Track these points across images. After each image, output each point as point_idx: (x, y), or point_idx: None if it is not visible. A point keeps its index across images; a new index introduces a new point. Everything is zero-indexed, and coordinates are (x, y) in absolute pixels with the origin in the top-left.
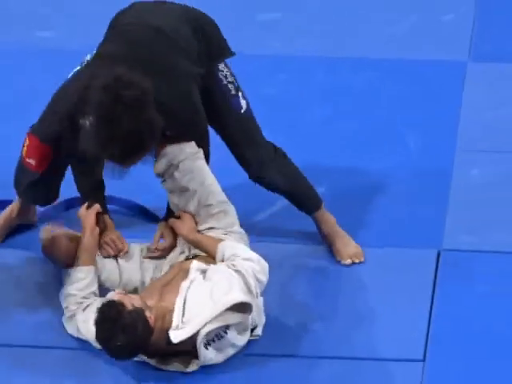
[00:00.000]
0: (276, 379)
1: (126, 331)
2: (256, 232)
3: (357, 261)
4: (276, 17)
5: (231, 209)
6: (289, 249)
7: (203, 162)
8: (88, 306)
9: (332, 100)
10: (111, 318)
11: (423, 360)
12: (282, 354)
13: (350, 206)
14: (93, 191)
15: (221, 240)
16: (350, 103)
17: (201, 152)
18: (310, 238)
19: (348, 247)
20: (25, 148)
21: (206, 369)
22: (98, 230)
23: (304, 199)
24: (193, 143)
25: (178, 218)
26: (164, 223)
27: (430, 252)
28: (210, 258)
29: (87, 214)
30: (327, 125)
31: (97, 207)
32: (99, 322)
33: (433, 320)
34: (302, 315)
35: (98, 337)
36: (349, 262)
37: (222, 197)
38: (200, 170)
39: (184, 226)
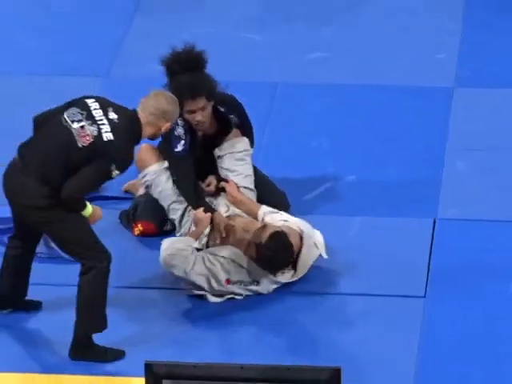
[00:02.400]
0: (303, 313)
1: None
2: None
3: None
4: (321, 56)
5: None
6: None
7: (250, 159)
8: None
9: (360, 113)
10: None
11: (424, 297)
12: (308, 291)
13: (375, 188)
14: (197, 194)
15: (259, 205)
16: (371, 116)
17: (251, 151)
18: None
19: None
20: None
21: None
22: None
23: None
24: (247, 141)
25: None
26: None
27: (428, 220)
28: (251, 216)
29: (204, 218)
30: (357, 131)
31: (209, 215)
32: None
33: (432, 263)
34: (328, 262)
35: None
36: None
37: (250, 182)
38: (247, 165)
39: (234, 188)
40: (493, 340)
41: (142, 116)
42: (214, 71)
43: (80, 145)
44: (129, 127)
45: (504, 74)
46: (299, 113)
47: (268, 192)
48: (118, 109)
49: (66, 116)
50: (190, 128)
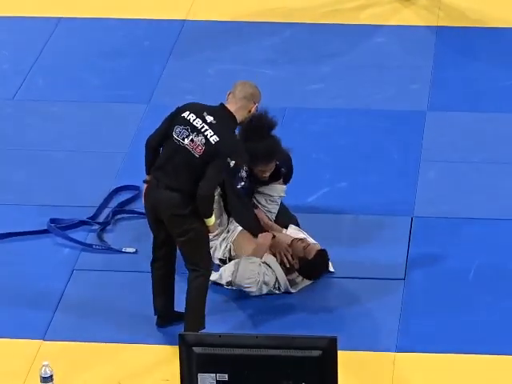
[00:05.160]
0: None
1: None
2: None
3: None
4: (319, 87)
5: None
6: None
7: (280, 201)
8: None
9: (349, 132)
10: None
11: (404, 279)
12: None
13: (363, 193)
14: (258, 223)
15: (283, 229)
16: (358, 134)
17: (283, 195)
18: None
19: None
20: None
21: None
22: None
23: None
24: (284, 188)
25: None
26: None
27: (406, 218)
28: None
29: (266, 242)
30: (347, 146)
31: (269, 240)
32: None
33: (410, 252)
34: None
35: None
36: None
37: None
38: (276, 206)
39: (265, 216)
40: (460, 307)
41: (233, 103)
42: None
43: (197, 155)
44: (225, 122)
45: (467, 101)
46: (302, 131)
47: (283, 214)
48: (209, 110)
49: (175, 136)
50: (249, 175)
